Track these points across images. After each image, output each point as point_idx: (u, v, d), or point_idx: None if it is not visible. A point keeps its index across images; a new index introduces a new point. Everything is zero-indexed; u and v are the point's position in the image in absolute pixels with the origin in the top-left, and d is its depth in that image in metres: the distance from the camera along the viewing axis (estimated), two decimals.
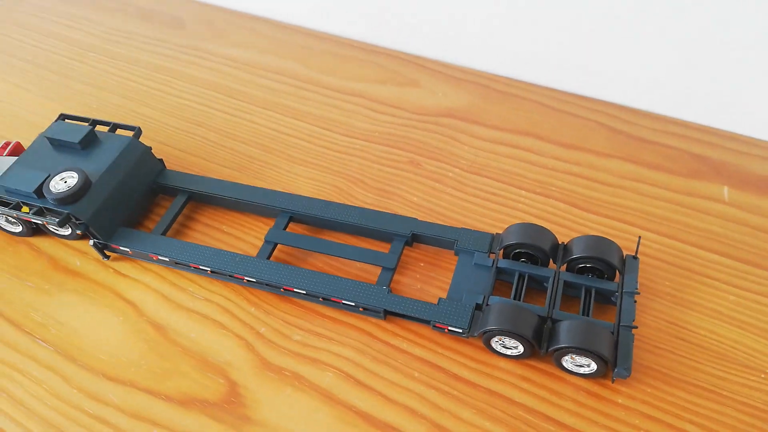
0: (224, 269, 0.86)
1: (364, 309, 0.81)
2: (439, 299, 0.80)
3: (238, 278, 0.86)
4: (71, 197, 0.87)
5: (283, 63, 1.29)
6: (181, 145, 1.11)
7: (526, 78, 1.18)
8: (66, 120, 1.03)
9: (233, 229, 0.97)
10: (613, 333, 0.73)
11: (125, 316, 0.86)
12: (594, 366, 0.73)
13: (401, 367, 0.78)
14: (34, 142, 0.98)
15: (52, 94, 1.25)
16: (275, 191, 0.95)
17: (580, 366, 0.74)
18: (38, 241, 0.97)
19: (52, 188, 0.88)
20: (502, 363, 0.77)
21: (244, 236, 0.96)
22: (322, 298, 0.82)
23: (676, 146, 1.03)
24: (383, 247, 0.91)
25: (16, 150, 1.02)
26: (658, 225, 0.91)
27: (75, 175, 0.89)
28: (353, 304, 0.81)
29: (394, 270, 0.85)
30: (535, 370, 0.76)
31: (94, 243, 0.91)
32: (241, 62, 1.31)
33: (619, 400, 0.73)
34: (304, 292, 0.83)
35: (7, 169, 0.93)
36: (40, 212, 0.87)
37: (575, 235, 0.90)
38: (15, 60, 1.35)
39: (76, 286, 0.91)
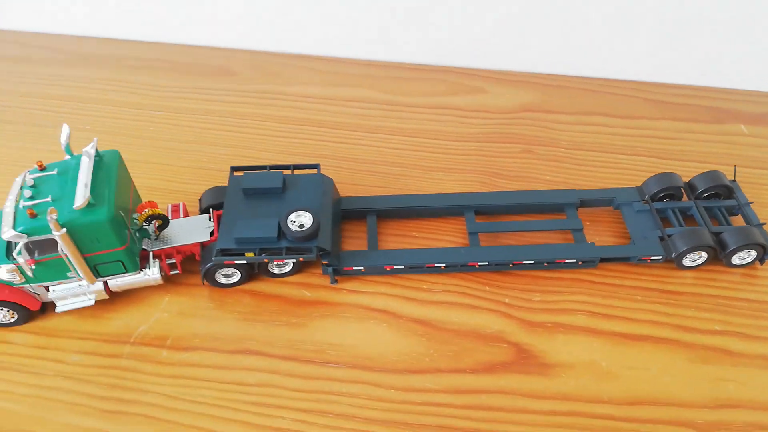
0: (458, 261, 1.02)
1: (583, 262, 1.03)
2: (632, 240, 1.05)
3: (470, 266, 1.03)
4: (314, 233, 0.97)
5: (356, 92, 1.44)
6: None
7: (567, 72, 1.47)
8: (235, 172, 1.09)
9: (422, 233, 1.12)
10: None
11: (387, 323, 0.99)
12: (754, 254, 1.03)
13: (625, 296, 1.01)
14: (227, 195, 1.04)
15: (163, 159, 1.26)
16: (454, 193, 1.13)
17: (744, 258, 1.03)
18: (254, 286, 1.04)
19: (291, 228, 0.96)
20: (690, 274, 1.04)
21: (435, 237, 1.11)
22: (547, 263, 1.03)
23: (698, 104, 1.39)
24: (558, 217, 1.13)
25: (185, 210, 1.06)
26: (710, 158, 1.25)
27: (304, 213, 0.99)
28: (574, 260, 1.02)
29: (581, 230, 1.07)
30: (715, 272, 1.04)
31: (332, 270, 1.01)
32: (316, 97, 1.42)
33: None
34: (532, 262, 1.02)
35: (222, 226, 0.99)
36: (288, 251, 0.96)
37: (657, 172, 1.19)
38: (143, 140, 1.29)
39: (322, 312, 1.00)
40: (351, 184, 1.21)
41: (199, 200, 1.11)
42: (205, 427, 0.87)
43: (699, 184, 1.11)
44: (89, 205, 0.87)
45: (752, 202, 1.10)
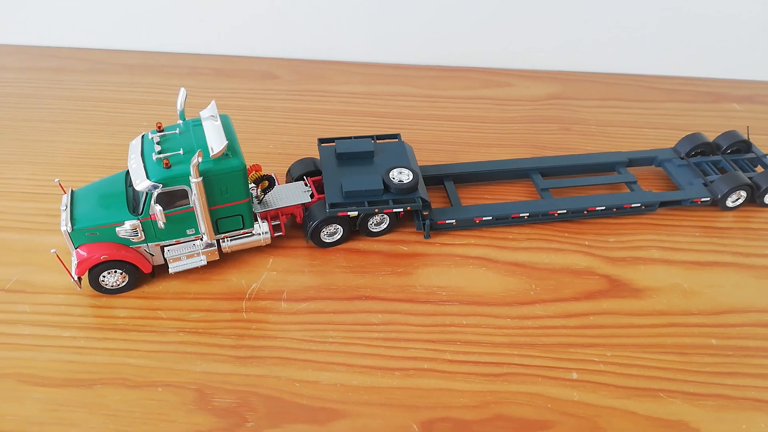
0: (540, 211, 1.12)
1: (645, 207, 1.15)
2: (681, 188, 1.19)
3: (550, 215, 1.12)
4: (414, 186, 1.04)
5: (397, 88, 1.55)
6: None
7: (580, 69, 1.65)
8: (323, 144, 1.16)
9: (494, 195, 1.22)
10: None
11: (485, 267, 1.06)
12: None
13: (685, 233, 1.14)
14: (322, 161, 1.11)
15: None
16: (521, 158, 1.25)
17: None
18: (352, 245, 1.09)
19: (394, 182, 1.03)
20: (731, 214, 1.19)
21: (506, 197, 1.21)
22: (616, 209, 1.14)
23: (696, 90, 1.60)
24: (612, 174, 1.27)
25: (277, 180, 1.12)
26: (715, 128, 1.39)
27: (403, 170, 1.06)
28: (638, 204, 1.14)
29: (636, 182, 1.21)
30: (751, 211, 1.18)
31: (428, 222, 1.07)
32: (361, 93, 1.52)
33: None
34: (604, 208, 1.13)
35: (327, 185, 1.05)
36: (397, 202, 1.03)
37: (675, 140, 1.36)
38: None
39: (422, 262, 1.07)
40: (419, 160, 1.28)
41: (287, 172, 1.16)
42: (342, 362, 0.90)
43: (722, 142, 1.29)
44: (223, 156, 0.91)
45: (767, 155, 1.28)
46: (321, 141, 1.17)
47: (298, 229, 1.12)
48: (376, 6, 1.58)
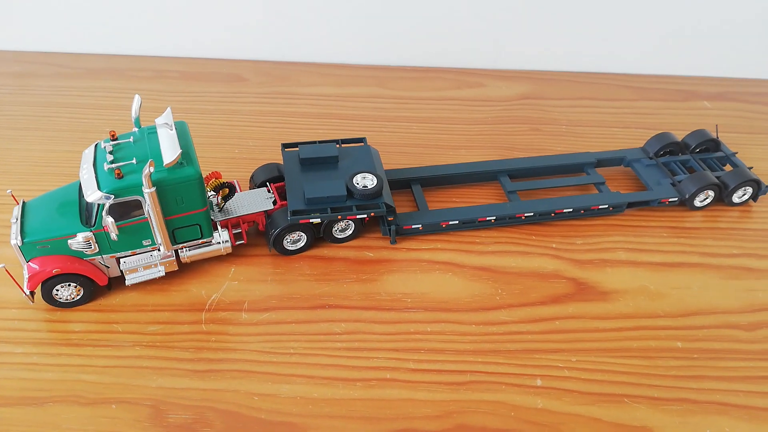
0: (506, 214, 1.10)
1: (613, 208, 1.14)
2: (649, 188, 1.18)
3: (517, 218, 1.11)
4: (378, 191, 1.02)
5: (366, 90, 1.53)
6: None
7: (553, 68, 1.64)
8: (286, 149, 1.13)
9: (461, 198, 1.21)
10: None
11: (452, 272, 1.04)
12: (750, 191, 1.18)
13: (653, 234, 1.13)
14: (285, 167, 1.08)
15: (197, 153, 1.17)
16: (489, 160, 1.23)
17: (741, 196, 1.19)
18: (317, 252, 1.07)
19: (358, 188, 1.01)
20: (699, 213, 1.18)
21: (474, 201, 1.20)
22: (583, 210, 1.13)
23: (667, 89, 1.59)
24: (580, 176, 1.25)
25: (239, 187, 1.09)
26: (685, 126, 1.39)
27: (367, 175, 1.04)
28: (606, 206, 1.13)
29: (604, 183, 1.20)
30: (719, 210, 1.18)
31: (394, 227, 1.06)
32: (330, 95, 1.50)
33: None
34: (571, 210, 1.12)
35: (289, 192, 1.04)
36: (359, 208, 1.02)
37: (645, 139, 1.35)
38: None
39: (388, 268, 1.05)
40: (386, 163, 1.27)
41: (251, 178, 1.14)
42: (303, 374, 0.88)
43: (691, 141, 1.28)
44: (178, 164, 0.88)
45: (736, 153, 1.27)
46: (285, 146, 1.15)
47: (261, 236, 1.09)
48: (346, 7, 1.56)
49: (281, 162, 1.16)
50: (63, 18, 1.60)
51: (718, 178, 1.19)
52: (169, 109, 0.97)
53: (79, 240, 0.89)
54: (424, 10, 1.56)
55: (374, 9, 1.56)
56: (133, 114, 0.95)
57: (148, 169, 0.83)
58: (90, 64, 1.60)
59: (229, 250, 1.01)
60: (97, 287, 0.96)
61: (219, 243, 0.99)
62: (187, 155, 0.90)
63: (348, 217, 1.04)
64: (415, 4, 1.55)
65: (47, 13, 1.60)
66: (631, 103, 1.53)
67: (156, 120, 0.96)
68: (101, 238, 0.91)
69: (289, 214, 1.00)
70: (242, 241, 1.04)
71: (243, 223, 1.04)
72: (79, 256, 0.92)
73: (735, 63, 1.62)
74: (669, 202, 1.17)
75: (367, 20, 1.58)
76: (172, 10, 1.58)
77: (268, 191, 1.08)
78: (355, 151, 1.14)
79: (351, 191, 1.03)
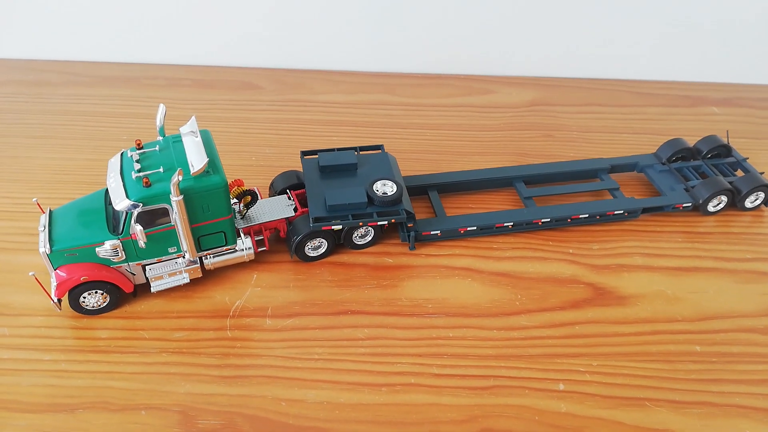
0: (524, 220, 1.12)
1: (628, 213, 1.16)
2: (662, 193, 1.19)
3: (534, 224, 1.12)
4: (398, 198, 1.04)
5: (377, 97, 1.54)
6: None
7: (560, 75, 1.65)
8: (306, 156, 1.15)
9: (477, 204, 1.22)
10: None
11: (471, 278, 1.06)
12: (762, 196, 1.20)
13: (668, 239, 1.15)
14: (305, 174, 1.10)
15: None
16: (505, 167, 1.25)
17: (753, 201, 1.20)
18: (337, 259, 1.08)
19: (378, 194, 1.03)
20: (713, 218, 1.20)
21: (490, 206, 1.21)
22: (599, 216, 1.15)
23: (675, 94, 1.61)
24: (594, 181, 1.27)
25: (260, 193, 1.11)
26: (695, 132, 1.39)
27: (387, 182, 1.06)
28: (621, 211, 1.15)
29: (618, 188, 1.21)
30: (732, 215, 1.20)
31: (413, 233, 1.07)
32: (342, 103, 1.52)
33: None
34: (587, 216, 1.14)
35: (310, 199, 1.05)
36: (381, 215, 1.03)
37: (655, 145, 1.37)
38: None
39: (407, 274, 1.06)
40: (401, 170, 1.29)
41: (270, 186, 1.15)
42: (329, 379, 0.90)
43: (703, 146, 1.30)
44: (204, 173, 0.90)
45: (747, 158, 1.29)
46: (304, 153, 1.16)
47: (282, 243, 1.11)
48: (358, 15, 1.58)
49: (299, 169, 1.18)
50: (77, 27, 1.61)
51: (730, 183, 1.21)
52: (193, 117, 0.98)
53: (106, 248, 0.90)
54: (433, 18, 1.58)
55: (384, 17, 1.58)
56: (158, 123, 0.96)
57: (176, 177, 0.85)
58: (104, 73, 1.61)
59: (252, 257, 1.02)
60: (123, 294, 0.97)
61: (243, 250, 1.00)
62: (213, 163, 0.92)
63: (369, 224, 1.05)
64: (423, 12, 1.57)
65: (61, 22, 1.61)
66: (639, 109, 1.55)
67: (180, 128, 0.98)
68: (128, 245, 0.92)
69: (311, 221, 1.02)
70: (264, 248, 1.06)
71: (265, 230, 1.05)
72: (105, 263, 0.93)
73: (742, 68, 1.64)
74: (683, 207, 1.18)
75: (377, 28, 1.60)
76: (185, 19, 1.59)
77: (289, 198, 1.10)
78: (373, 158, 1.15)
79: (371, 198, 1.05)
